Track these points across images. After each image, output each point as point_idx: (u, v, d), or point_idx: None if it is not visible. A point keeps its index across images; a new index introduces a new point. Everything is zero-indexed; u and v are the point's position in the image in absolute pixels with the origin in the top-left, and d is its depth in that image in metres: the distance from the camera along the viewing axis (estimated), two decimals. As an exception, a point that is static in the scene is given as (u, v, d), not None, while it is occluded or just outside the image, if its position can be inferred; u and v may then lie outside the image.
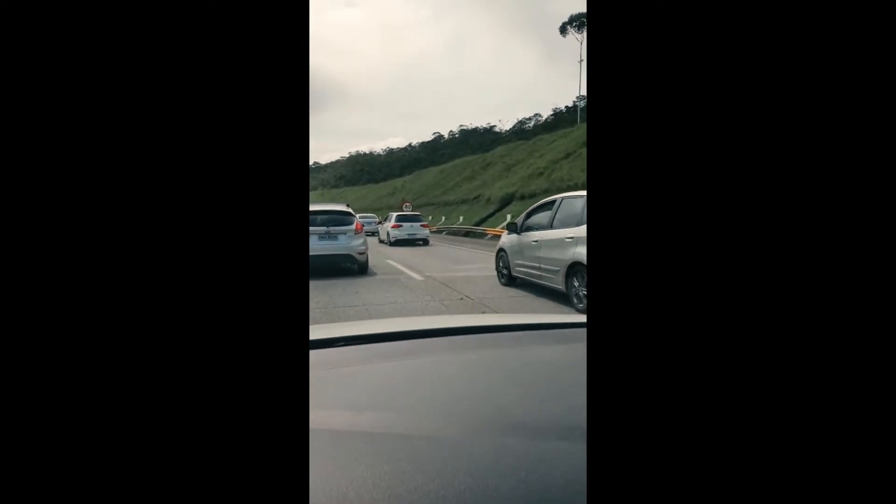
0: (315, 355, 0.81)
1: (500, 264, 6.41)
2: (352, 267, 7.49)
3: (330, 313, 4.70)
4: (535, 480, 0.42)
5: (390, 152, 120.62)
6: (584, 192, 4.88)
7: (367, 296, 5.68)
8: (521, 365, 0.86)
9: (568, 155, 27.59)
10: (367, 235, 8.39)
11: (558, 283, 4.84)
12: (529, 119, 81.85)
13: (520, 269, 5.81)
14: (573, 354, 0.86)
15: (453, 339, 1.03)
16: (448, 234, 24.75)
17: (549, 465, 0.45)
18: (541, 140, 38.80)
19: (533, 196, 21.30)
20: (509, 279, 6.17)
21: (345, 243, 7.28)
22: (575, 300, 4.53)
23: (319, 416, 0.54)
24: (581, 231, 4.51)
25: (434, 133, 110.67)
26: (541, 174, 27.00)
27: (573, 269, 4.54)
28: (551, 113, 76.31)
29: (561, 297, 4.93)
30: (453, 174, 48.34)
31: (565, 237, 4.74)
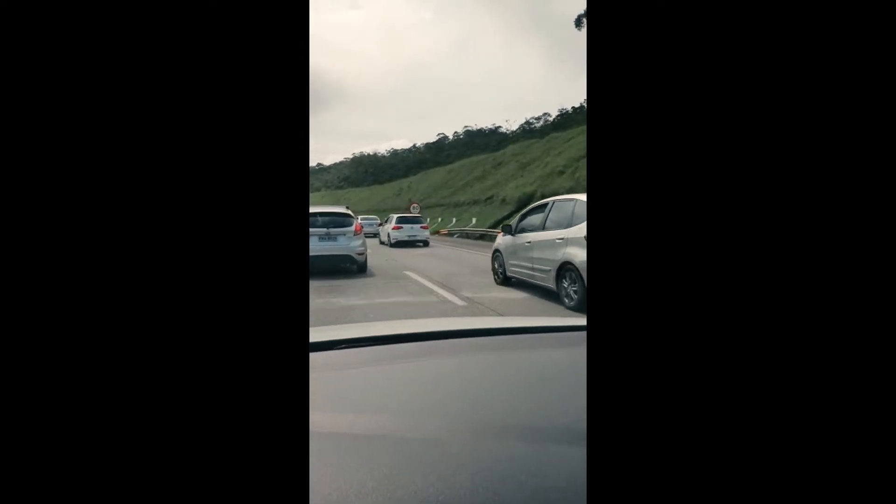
0: (316, 358, 0.82)
1: (496, 265, 6.60)
2: (350, 267, 7.60)
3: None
4: (536, 484, 0.43)
5: (394, 153, 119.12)
6: (574, 196, 5.07)
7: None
8: (521, 368, 0.86)
9: (589, 152, 25.60)
10: (371, 237, 8.89)
11: (549, 283, 4.99)
12: (538, 118, 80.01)
13: (514, 269, 5.97)
14: (573, 358, 0.85)
15: (454, 342, 1.04)
16: (459, 236, 22.85)
17: (550, 469, 0.45)
18: (555, 138, 36.89)
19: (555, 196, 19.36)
20: (504, 279, 6.32)
21: (344, 244, 7.43)
22: (566, 300, 4.64)
23: (320, 419, 0.53)
24: (570, 233, 4.66)
25: (439, 134, 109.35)
26: (561, 173, 25.14)
27: (563, 269, 4.68)
28: (558, 113, 74.54)
29: (553, 296, 5.02)
30: (462, 174, 46.54)
31: (556, 238, 4.89)
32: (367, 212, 38.04)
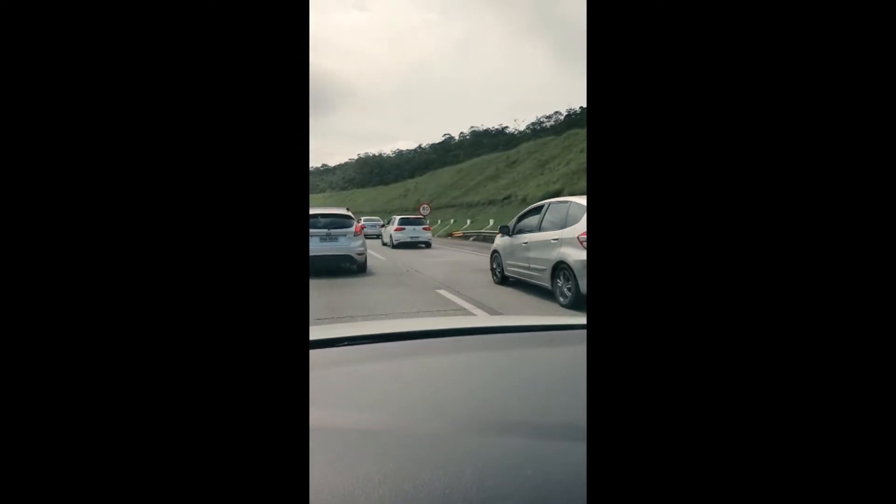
0: (318, 355, 0.83)
1: (494, 265, 6.73)
2: (351, 267, 7.83)
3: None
4: (539, 479, 0.43)
5: (400, 154, 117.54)
6: (569, 198, 5.35)
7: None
8: (522, 366, 0.87)
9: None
10: (374, 238, 10.16)
11: (545, 282, 5.12)
12: (549, 117, 77.89)
13: (511, 268, 6.11)
14: (573, 356, 0.86)
15: (455, 339, 1.04)
16: (476, 239, 20.59)
17: (553, 464, 0.46)
18: (574, 135, 34.68)
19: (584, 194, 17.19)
20: (502, 278, 6.42)
21: (345, 244, 7.66)
22: (560, 298, 4.79)
23: (322, 415, 0.53)
24: (565, 233, 4.83)
25: (444, 134, 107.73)
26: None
27: (558, 268, 4.85)
28: (567, 112, 72.22)
29: (548, 295, 5.10)
30: (473, 173, 44.44)
31: (551, 239, 5.06)
32: (373, 213, 36.93)
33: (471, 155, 68.12)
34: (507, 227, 6.32)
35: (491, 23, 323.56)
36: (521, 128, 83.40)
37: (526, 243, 5.62)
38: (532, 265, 5.45)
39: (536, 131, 72.47)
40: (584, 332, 0.97)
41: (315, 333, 0.95)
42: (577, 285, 4.49)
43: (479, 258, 10.58)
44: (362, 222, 24.31)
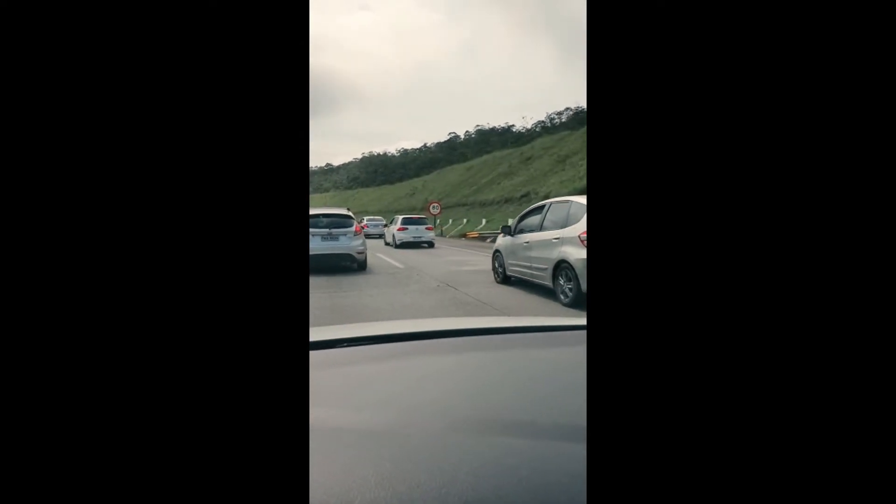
0: (318, 356, 0.83)
1: (496, 264, 6.73)
2: (351, 265, 8.01)
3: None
4: (537, 479, 0.43)
5: (405, 153, 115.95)
6: (570, 198, 5.37)
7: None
8: (521, 367, 0.87)
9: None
10: (376, 238, 13.20)
11: (546, 281, 5.15)
12: (560, 114, 75.98)
13: (513, 268, 6.12)
14: (573, 357, 0.86)
15: (454, 340, 1.04)
16: (493, 241, 18.73)
17: (550, 465, 0.46)
18: (593, 129, 32.62)
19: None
20: (504, 278, 6.43)
21: (345, 243, 7.88)
22: (561, 297, 4.81)
23: (322, 415, 0.54)
24: (566, 233, 4.84)
25: (450, 133, 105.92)
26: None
27: (559, 267, 4.86)
28: (575, 109, 70.19)
29: (550, 294, 5.16)
30: (484, 171, 42.61)
31: (552, 238, 5.06)
32: (379, 212, 36.03)
33: (478, 153, 66.34)
34: (509, 226, 6.35)
35: (496, 22, 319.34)
36: (529, 125, 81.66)
37: (527, 243, 5.65)
38: (534, 264, 5.47)
39: (547, 128, 70.54)
40: (584, 332, 1.03)
41: (314, 335, 0.94)
42: (578, 284, 4.52)
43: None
44: (364, 222, 23.09)
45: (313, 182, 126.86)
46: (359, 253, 8.01)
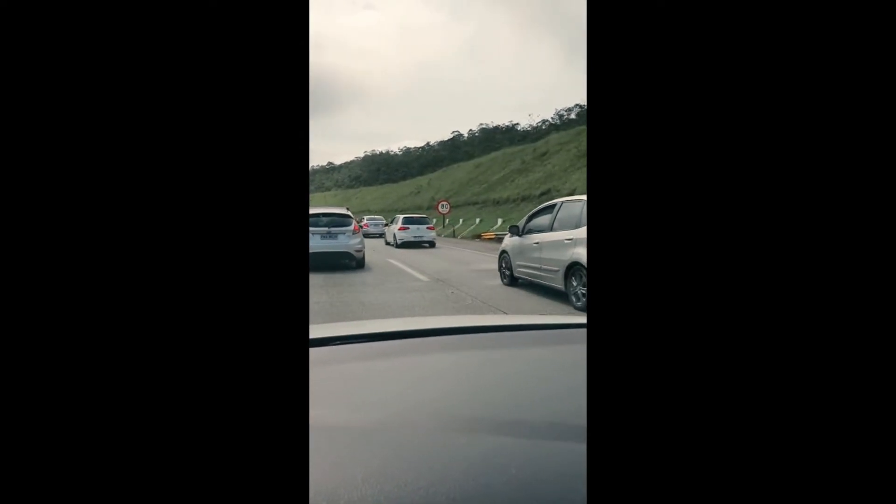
0: (312, 353, 0.81)
1: (503, 265, 6.66)
2: (349, 263, 8.27)
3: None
4: (527, 477, 0.43)
5: (407, 151, 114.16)
6: (582, 197, 5.23)
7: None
8: (518, 364, 0.86)
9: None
10: (376, 237, 13.64)
11: (558, 283, 5.08)
12: (570, 110, 74.06)
13: (521, 269, 6.04)
14: (572, 355, 0.84)
15: (450, 338, 1.02)
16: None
17: (541, 463, 0.46)
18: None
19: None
20: (511, 279, 6.36)
21: (344, 242, 8.19)
22: (573, 299, 4.76)
23: (315, 413, 0.54)
24: (579, 233, 4.77)
25: (453, 131, 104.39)
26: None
27: (572, 269, 4.80)
28: (585, 105, 68.32)
29: (561, 296, 5.12)
30: (494, 168, 40.77)
31: (564, 239, 4.99)
32: (382, 212, 35.12)
33: (484, 151, 64.50)
34: (517, 226, 6.28)
35: (500, 21, 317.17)
36: (535, 122, 79.81)
37: (537, 243, 5.54)
38: (544, 266, 5.37)
39: (556, 125, 68.69)
40: (581, 330, 0.99)
41: (311, 333, 0.92)
42: None
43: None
44: (365, 221, 21.86)
45: (315, 181, 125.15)
46: (357, 251, 8.30)
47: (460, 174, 49.56)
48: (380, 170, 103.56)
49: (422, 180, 62.68)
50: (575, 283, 4.73)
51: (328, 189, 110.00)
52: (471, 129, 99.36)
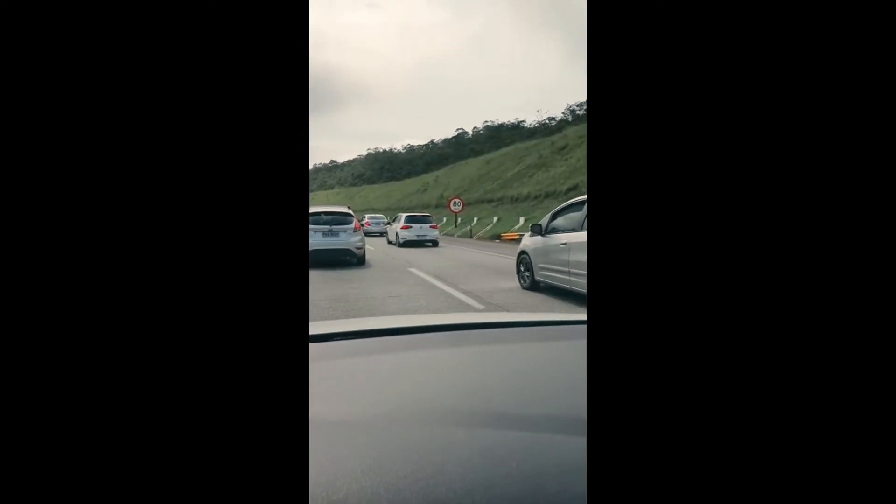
0: (312, 349, 0.82)
1: (522, 268, 6.30)
2: (350, 260, 8.73)
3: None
4: (528, 470, 0.43)
5: (410, 149, 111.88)
6: None
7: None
8: (518, 359, 0.86)
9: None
10: (377, 236, 14.03)
11: None
12: (581, 104, 71.90)
13: (544, 272, 5.69)
14: (572, 351, 0.84)
15: (451, 334, 1.03)
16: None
17: (541, 456, 0.46)
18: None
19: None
20: (532, 283, 5.98)
21: (345, 239, 8.66)
22: None
23: (314, 408, 0.53)
24: None
25: (458, 129, 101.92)
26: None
27: None
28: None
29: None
30: (507, 164, 38.51)
31: None
32: (387, 210, 33.72)
33: (491, 147, 62.29)
34: (539, 225, 5.80)
35: (504, 18, 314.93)
36: (542, 118, 77.61)
37: (564, 244, 5.05)
38: (573, 269, 4.88)
39: (567, 121, 66.44)
40: (580, 327, 1.00)
41: (312, 329, 0.93)
42: None
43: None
44: (366, 219, 21.90)
45: (318, 179, 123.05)
46: (357, 248, 8.82)
47: (470, 171, 47.35)
48: (383, 168, 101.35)
49: (428, 177, 60.39)
50: None
51: (331, 187, 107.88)
52: (475, 127, 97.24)
